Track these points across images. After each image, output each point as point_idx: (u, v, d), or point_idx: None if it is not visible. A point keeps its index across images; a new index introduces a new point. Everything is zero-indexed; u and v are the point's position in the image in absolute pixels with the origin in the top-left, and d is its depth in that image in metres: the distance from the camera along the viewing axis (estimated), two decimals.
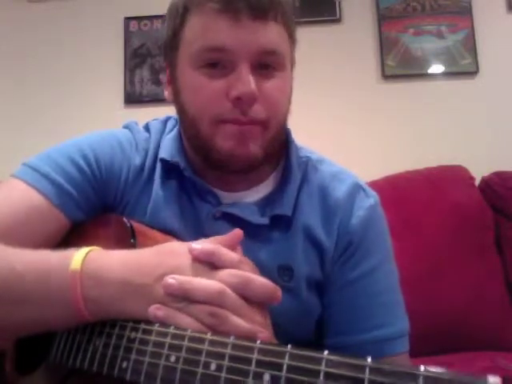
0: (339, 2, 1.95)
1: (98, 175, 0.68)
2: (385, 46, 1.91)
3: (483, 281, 1.44)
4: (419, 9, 1.93)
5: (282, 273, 0.66)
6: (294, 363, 0.37)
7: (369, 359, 0.34)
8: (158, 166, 0.70)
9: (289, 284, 0.66)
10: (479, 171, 1.62)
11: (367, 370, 0.33)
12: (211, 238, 0.54)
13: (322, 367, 0.35)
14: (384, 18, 1.93)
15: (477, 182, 1.61)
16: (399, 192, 1.55)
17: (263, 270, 0.53)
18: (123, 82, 1.97)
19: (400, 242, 1.49)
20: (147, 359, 0.45)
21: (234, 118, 0.62)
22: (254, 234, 0.65)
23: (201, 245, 0.51)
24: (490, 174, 1.62)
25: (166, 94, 0.72)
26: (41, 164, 0.66)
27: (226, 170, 0.66)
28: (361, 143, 1.84)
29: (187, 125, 0.67)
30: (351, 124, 1.88)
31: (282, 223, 0.68)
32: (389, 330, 0.67)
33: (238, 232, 0.54)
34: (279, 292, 0.49)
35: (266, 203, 0.69)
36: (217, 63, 0.62)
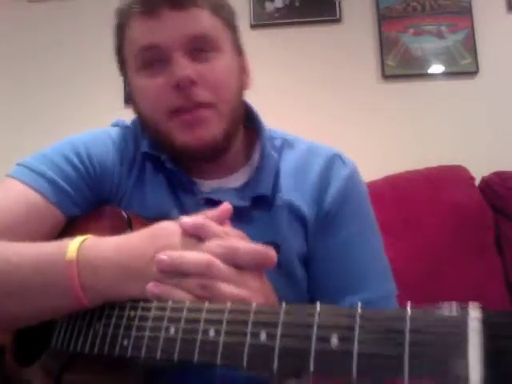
0: (339, 2, 1.95)
1: (92, 172, 0.69)
2: (385, 46, 1.91)
3: (483, 281, 1.44)
4: (419, 9, 1.93)
5: None
6: (288, 319, 0.38)
7: (359, 308, 0.35)
8: (146, 158, 0.73)
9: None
10: (479, 171, 1.62)
11: (358, 317, 0.34)
12: (201, 213, 0.55)
13: (315, 319, 0.36)
14: (384, 18, 1.93)
15: (477, 182, 1.61)
16: (399, 192, 1.55)
17: None
18: (123, 82, 1.97)
19: (400, 241, 1.49)
20: (147, 334, 0.46)
21: (181, 106, 0.65)
22: (237, 216, 0.66)
23: (188, 219, 0.52)
24: (490, 174, 1.62)
25: (131, 104, 0.75)
26: (36, 163, 0.68)
27: (195, 158, 0.69)
28: (361, 143, 1.83)
29: (146, 125, 0.71)
30: (351, 124, 1.88)
31: (263, 203, 0.70)
32: (376, 292, 0.68)
33: (226, 206, 0.56)
34: (272, 255, 0.49)
35: (245, 188, 0.71)
36: (154, 61, 0.66)
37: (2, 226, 0.61)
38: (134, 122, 0.79)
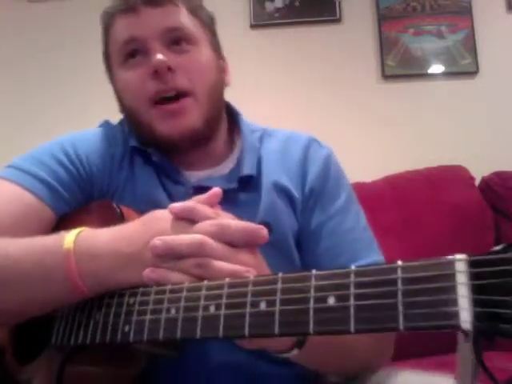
0: (339, 2, 1.95)
1: (82, 172, 0.70)
2: (385, 46, 1.91)
3: None
4: (419, 9, 1.93)
5: None
6: (286, 286, 0.39)
7: (353, 266, 0.36)
8: (134, 153, 0.74)
9: (269, 239, 0.68)
10: (479, 171, 1.62)
11: (352, 275, 0.36)
12: (192, 199, 0.55)
13: (312, 283, 0.38)
14: (384, 18, 1.93)
15: (477, 182, 1.61)
16: (399, 192, 1.55)
17: None
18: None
19: (400, 241, 1.49)
20: (148, 317, 0.47)
21: (160, 91, 0.68)
22: (226, 200, 0.67)
23: (178, 203, 0.53)
24: (490, 174, 1.62)
25: (117, 103, 0.78)
26: (26, 164, 0.68)
27: (177, 147, 0.71)
28: (361, 143, 1.84)
29: (131, 119, 0.74)
30: (351, 124, 1.88)
31: (250, 184, 0.72)
32: (367, 261, 0.69)
33: (216, 190, 0.56)
34: (263, 231, 0.50)
35: (231, 174, 0.73)
36: (134, 53, 0.70)
37: None
38: (121, 122, 0.80)
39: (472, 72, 1.87)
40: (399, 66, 1.90)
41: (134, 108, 0.71)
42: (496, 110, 1.85)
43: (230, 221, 0.51)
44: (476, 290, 0.30)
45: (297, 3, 1.96)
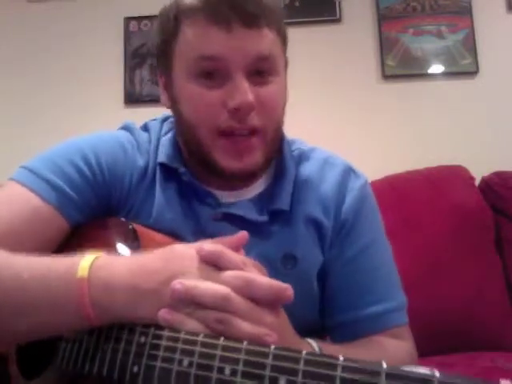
0: (339, 2, 1.95)
1: (99, 178, 0.67)
2: (385, 46, 1.91)
3: (483, 281, 1.44)
4: (419, 9, 1.93)
5: (285, 262, 0.69)
6: (309, 369, 0.37)
7: (384, 365, 0.34)
8: (158, 168, 0.71)
9: (292, 271, 0.68)
10: (479, 171, 1.62)
11: (383, 376, 0.34)
12: (216, 239, 0.53)
13: (338, 373, 0.36)
14: (384, 18, 1.93)
15: (477, 182, 1.61)
16: (399, 192, 1.55)
17: (267, 262, 0.54)
18: (123, 82, 1.97)
19: (400, 241, 1.49)
20: (159, 364, 0.45)
21: (231, 127, 0.63)
22: (255, 231, 0.65)
23: (206, 246, 0.50)
24: (490, 174, 1.62)
25: (163, 99, 0.72)
26: (40, 166, 0.66)
27: (232, 179, 0.68)
28: (361, 143, 1.83)
29: (185, 132, 0.68)
30: (351, 124, 1.88)
31: (281, 217, 0.70)
32: (390, 303, 0.69)
33: (243, 234, 0.55)
34: (289, 291, 0.48)
35: (263, 199, 0.71)
36: (212, 72, 0.63)
37: (5, 230, 0.60)
38: (145, 128, 0.77)
39: (472, 72, 1.87)
40: (399, 66, 1.90)
41: (194, 126, 0.66)
42: (496, 110, 1.85)
43: (255, 276, 0.49)
44: None
45: (297, 3, 1.96)
